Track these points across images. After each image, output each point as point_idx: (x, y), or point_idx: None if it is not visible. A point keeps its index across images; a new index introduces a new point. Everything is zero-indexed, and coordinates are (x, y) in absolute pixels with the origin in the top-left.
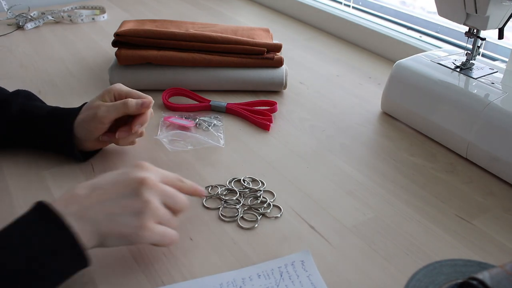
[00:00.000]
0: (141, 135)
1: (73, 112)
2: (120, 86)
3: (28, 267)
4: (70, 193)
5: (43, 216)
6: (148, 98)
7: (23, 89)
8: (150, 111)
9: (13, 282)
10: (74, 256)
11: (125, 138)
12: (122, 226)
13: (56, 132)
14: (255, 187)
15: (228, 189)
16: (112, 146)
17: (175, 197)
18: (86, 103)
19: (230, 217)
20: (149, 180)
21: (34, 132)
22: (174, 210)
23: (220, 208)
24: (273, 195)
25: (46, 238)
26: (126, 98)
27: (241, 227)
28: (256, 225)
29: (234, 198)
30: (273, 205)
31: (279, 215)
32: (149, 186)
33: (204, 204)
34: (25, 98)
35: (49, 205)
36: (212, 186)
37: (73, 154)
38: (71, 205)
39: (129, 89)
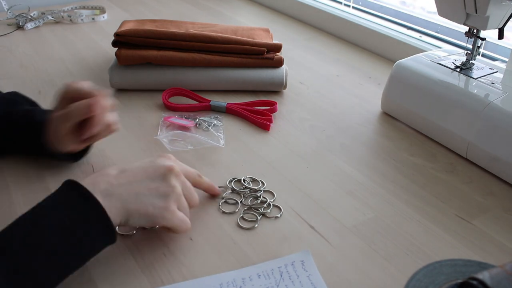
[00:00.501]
0: (112, 129)
1: (44, 122)
2: (69, 87)
3: (59, 241)
4: (100, 173)
5: (72, 193)
6: (96, 97)
7: (11, 91)
8: (106, 106)
9: (47, 255)
10: (103, 230)
11: (98, 134)
12: (148, 205)
13: (36, 142)
14: (255, 187)
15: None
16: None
17: (192, 191)
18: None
19: (229, 213)
20: (176, 169)
21: (17, 139)
22: (188, 203)
23: (220, 203)
24: (273, 195)
25: (76, 213)
26: (75, 101)
27: (241, 227)
28: (256, 225)
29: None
30: (273, 205)
31: (279, 215)
32: (175, 174)
33: (220, 207)
34: (6, 105)
35: (78, 182)
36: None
37: (59, 157)
38: (99, 183)
39: (79, 87)
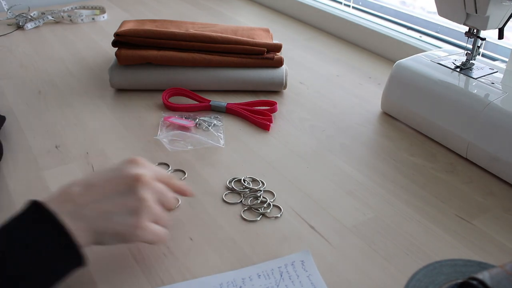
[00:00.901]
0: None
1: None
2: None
3: (23, 266)
4: (64, 191)
5: (37, 215)
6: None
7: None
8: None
9: (9, 282)
10: (70, 255)
11: None
12: (117, 224)
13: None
14: (255, 187)
15: (228, 189)
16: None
17: (166, 195)
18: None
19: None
20: (144, 177)
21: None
22: (165, 207)
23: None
24: (273, 195)
25: (41, 237)
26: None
27: (242, 226)
28: (259, 218)
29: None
30: (273, 205)
31: (279, 215)
32: (144, 183)
33: (224, 198)
34: None
35: (43, 203)
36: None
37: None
38: (65, 204)
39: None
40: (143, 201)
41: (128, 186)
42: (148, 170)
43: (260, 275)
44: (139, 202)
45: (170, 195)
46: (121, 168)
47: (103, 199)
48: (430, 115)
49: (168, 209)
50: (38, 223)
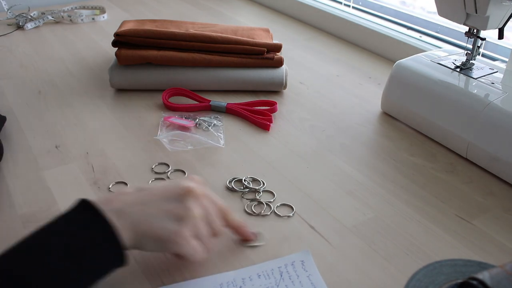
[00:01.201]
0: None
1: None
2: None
3: (67, 261)
4: (117, 192)
5: (84, 212)
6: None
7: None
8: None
9: (54, 275)
10: (112, 251)
11: None
12: (159, 228)
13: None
14: (256, 187)
15: (228, 189)
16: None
17: (214, 218)
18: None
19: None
20: (196, 190)
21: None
22: (212, 230)
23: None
24: (273, 195)
25: (86, 233)
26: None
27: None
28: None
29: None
30: (280, 204)
31: (291, 215)
32: (194, 196)
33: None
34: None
35: (91, 201)
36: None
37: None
38: (114, 202)
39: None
40: (189, 211)
41: (178, 195)
42: (201, 189)
43: (260, 275)
44: (185, 211)
45: (217, 220)
46: (176, 181)
47: (150, 202)
48: (430, 115)
49: (215, 234)
50: (84, 218)
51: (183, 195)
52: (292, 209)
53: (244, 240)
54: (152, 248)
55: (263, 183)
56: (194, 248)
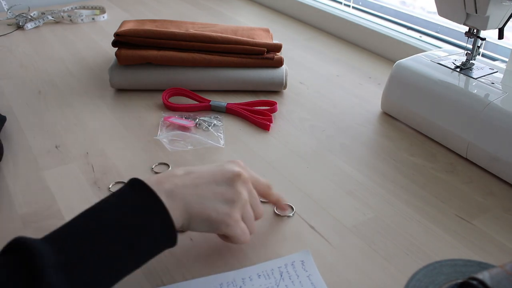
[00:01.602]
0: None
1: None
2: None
3: (119, 239)
4: (166, 173)
5: (136, 191)
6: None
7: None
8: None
9: (106, 253)
10: (164, 231)
11: None
12: (212, 210)
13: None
14: None
15: None
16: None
17: (258, 202)
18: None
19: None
20: (244, 175)
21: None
22: (254, 214)
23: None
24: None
25: (138, 212)
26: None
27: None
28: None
29: None
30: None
31: (291, 215)
32: (243, 180)
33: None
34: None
35: (143, 181)
36: None
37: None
38: (164, 183)
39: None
40: (240, 194)
41: (227, 179)
42: (247, 172)
43: (260, 275)
44: (236, 194)
45: (260, 204)
46: (223, 165)
47: (202, 185)
48: (430, 115)
49: (257, 216)
50: (136, 198)
51: (233, 179)
52: (292, 209)
53: (282, 210)
54: (202, 229)
55: None
56: (243, 230)
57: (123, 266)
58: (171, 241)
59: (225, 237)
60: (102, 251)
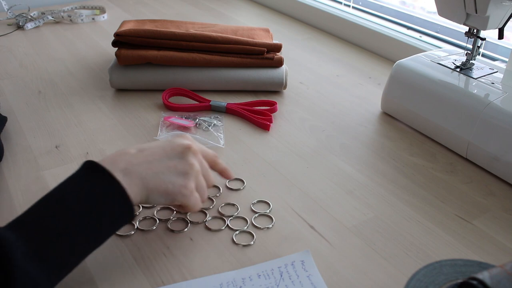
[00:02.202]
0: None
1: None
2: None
3: (80, 220)
4: (118, 152)
5: (92, 172)
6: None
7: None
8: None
9: (68, 234)
10: (123, 208)
11: None
12: (168, 183)
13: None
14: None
15: (227, 188)
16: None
17: (209, 171)
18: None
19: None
20: (193, 147)
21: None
22: (206, 182)
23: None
24: (269, 206)
25: (96, 192)
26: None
27: (242, 225)
28: (253, 241)
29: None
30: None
31: (270, 226)
32: (193, 152)
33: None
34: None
35: (96, 162)
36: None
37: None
38: (118, 162)
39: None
40: (192, 165)
41: (179, 152)
42: (196, 145)
43: (260, 275)
44: (189, 166)
45: (210, 173)
46: (171, 140)
47: (155, 161)
48: (430, 115)
49: (208, 185)
50: (92, 179)
51: (183, 153)
52: (243, 182)
53: (227, 178)
54: (159, 202)
55: (243, 182)
56: (196, 199)
57: (89, 245)
58: (130, 216)
59: (179, 207)
60: (67, 235)
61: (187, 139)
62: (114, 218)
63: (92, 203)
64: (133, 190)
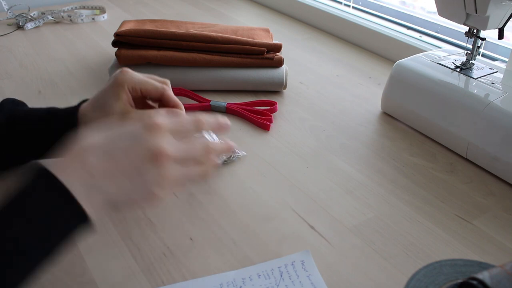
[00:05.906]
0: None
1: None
2: (131, 78)
3: (40, 243)
4: (79, 159)
5: (49, 189)
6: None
7: (12, 97)
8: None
9: (16, 250)
10: (81, 228)
11: None
12: (134, 198)
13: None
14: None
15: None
16: None
17: (196, 157)
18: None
19: None
20: (166, 152)
21: (31, 134)
22: (196, 161)
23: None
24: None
25: (53, 210)
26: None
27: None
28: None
29: None
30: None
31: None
32: (166, 158)
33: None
34: (12, 104)
35: (51, 174)
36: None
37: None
38: (80, 174)
39: (143, 79)
40: (166, 177)
41: (148, 160)
42: (171, 124)
43: (260, 275)
44: (161, 178)
45: (198, 152)
46: (140, 138)
47: (120, 172)
48: (430, 115)
49: (220, 152)
50: (48, 197)
51: (154, 161)
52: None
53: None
54: (127, 210)
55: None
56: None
57: (44, 263)
58: (89, 233)
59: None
60: (21, 253)
61: (157, 131)
62: (72, 236)
63: (48, 224)
64: (96, 206)
